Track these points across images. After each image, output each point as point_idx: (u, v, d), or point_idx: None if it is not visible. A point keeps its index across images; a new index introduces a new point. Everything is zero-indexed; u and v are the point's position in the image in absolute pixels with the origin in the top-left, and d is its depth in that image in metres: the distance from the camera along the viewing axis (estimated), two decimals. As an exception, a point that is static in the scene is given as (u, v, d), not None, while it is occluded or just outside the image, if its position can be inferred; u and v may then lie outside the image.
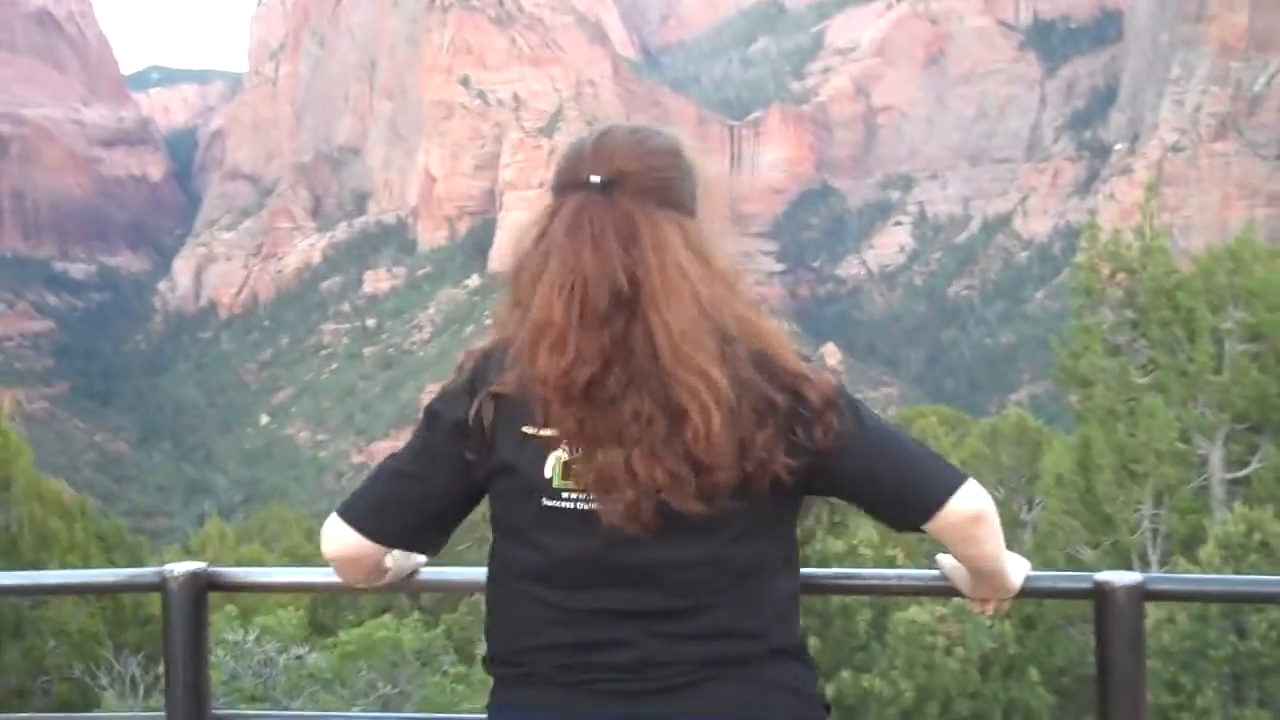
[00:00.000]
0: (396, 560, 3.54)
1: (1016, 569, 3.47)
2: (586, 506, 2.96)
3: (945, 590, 3.65)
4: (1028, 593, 3.54)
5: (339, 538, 3.24)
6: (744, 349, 2.94)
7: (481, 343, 3.17)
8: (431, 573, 3.97)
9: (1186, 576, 4.01)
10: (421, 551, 3.40)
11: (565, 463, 2.97)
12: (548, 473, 2.99)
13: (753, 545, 3.03)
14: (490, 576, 3.23)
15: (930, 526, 3.07)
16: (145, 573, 4.60)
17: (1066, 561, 31.41)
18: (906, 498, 3.07)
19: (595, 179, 3.00)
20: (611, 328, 2.90)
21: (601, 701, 3.03)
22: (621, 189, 2.99)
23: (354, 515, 3.21)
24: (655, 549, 2.96)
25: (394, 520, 3.20)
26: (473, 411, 3.03)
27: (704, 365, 2.87)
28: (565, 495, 2.98)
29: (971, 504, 3.08)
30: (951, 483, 3.07)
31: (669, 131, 3.17)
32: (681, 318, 2.89)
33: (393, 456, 3.24)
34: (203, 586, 4.36)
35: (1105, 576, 3.80)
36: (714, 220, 3.14)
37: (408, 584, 3.79)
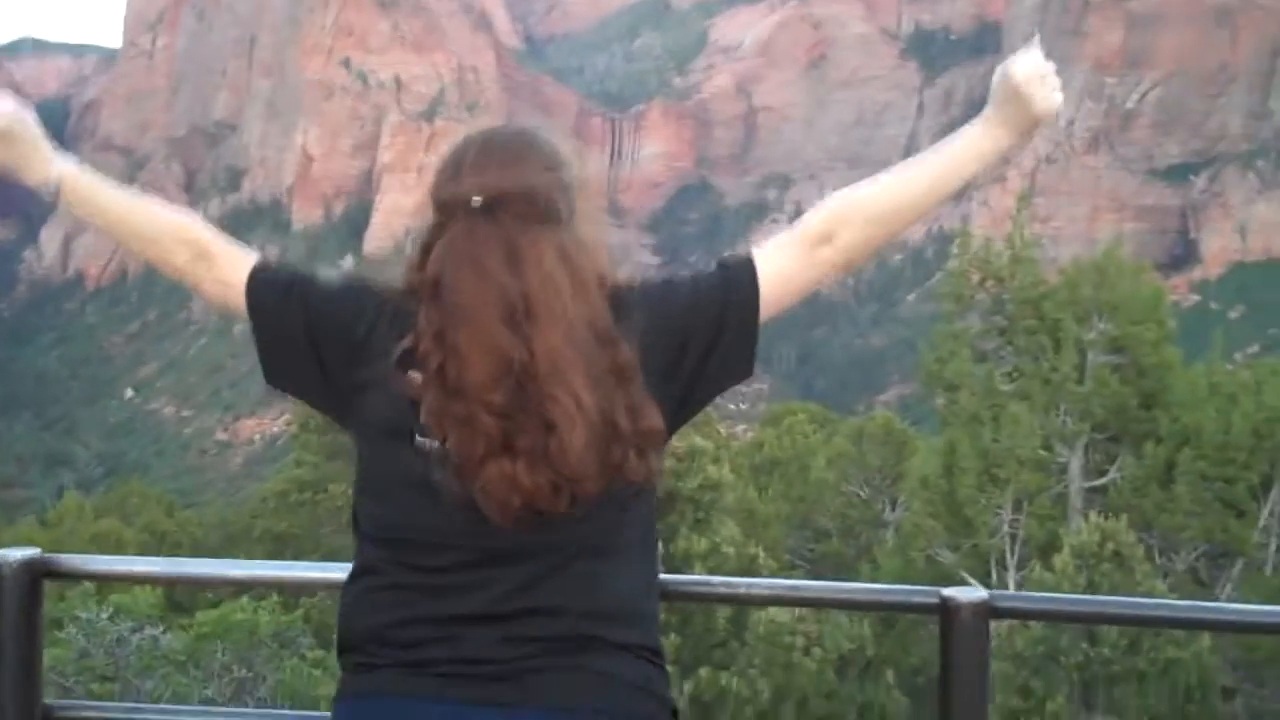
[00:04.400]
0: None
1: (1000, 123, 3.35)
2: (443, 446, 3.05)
3: (801, 601, 3.59)
4: (871, 606, 3.52)
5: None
6: (609, 364, 3.06)
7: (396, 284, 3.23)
8: (292, 567, 3.94)
9: (1033, 595, 4.04)
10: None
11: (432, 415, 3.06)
12: (422, 418, 3.05)
13: (602, 527, 3.12)
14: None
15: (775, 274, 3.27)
16: (-27, 560, 4.35)
17: (926, 563, 31.76)
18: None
19: (477, 201, 3.11)
20: (507, 347, 3.02)
21: (441, 688, 3.08)
22: (502, 210, 3.10)
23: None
24: (512, 533, 3.06)
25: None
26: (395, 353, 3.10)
27: (572, 384, 3.00)
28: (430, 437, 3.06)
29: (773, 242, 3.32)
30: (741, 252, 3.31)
31: (547, 140, 3.28)
32: (555, 338, 3.02)
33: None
34: (38, 574, 4.15)
35: (951, 593, 3.74)
36: (590, 220, 3.26)
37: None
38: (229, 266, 3.41)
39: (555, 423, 3.00)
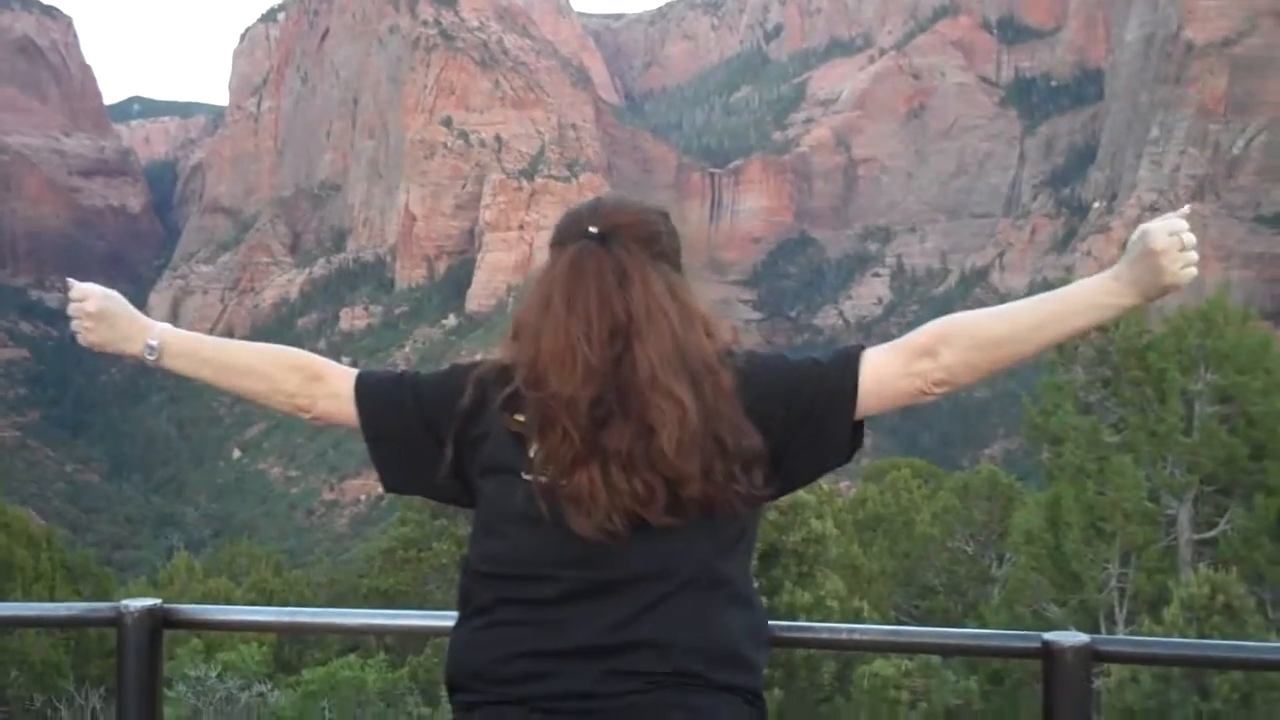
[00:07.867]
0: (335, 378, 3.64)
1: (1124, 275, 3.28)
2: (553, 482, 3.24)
3: (904, 647, 3.60)
4: (974, 651, 3.52)
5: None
6: (711, 388, 3.22)
7: (492, 359, 3.45)
8: (408, 615, 3.97)
9: (1136, 639, 4.04)
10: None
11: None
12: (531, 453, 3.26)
13: (703, 560, 3.23)
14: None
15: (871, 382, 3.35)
16: (101, 607, 4.53)
17: (1033, 618, 31.42)
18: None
19: (594, 230, 3.34)
20: (608, 355, 3.21)
21: None
22: (616, 239, 3.33)
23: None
24: (619, 555, 3.19)
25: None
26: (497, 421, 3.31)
27: (676, 391, 3.17)
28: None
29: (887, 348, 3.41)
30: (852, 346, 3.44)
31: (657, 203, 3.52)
32: (661, 351, 3.21)
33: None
34: (159, 623, 4.29)
35: (1054, 636, 3.80)
36: (694, 277, 3.47)
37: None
38: (339, 381, 3.60)
39: (654, 425, 3.16)
